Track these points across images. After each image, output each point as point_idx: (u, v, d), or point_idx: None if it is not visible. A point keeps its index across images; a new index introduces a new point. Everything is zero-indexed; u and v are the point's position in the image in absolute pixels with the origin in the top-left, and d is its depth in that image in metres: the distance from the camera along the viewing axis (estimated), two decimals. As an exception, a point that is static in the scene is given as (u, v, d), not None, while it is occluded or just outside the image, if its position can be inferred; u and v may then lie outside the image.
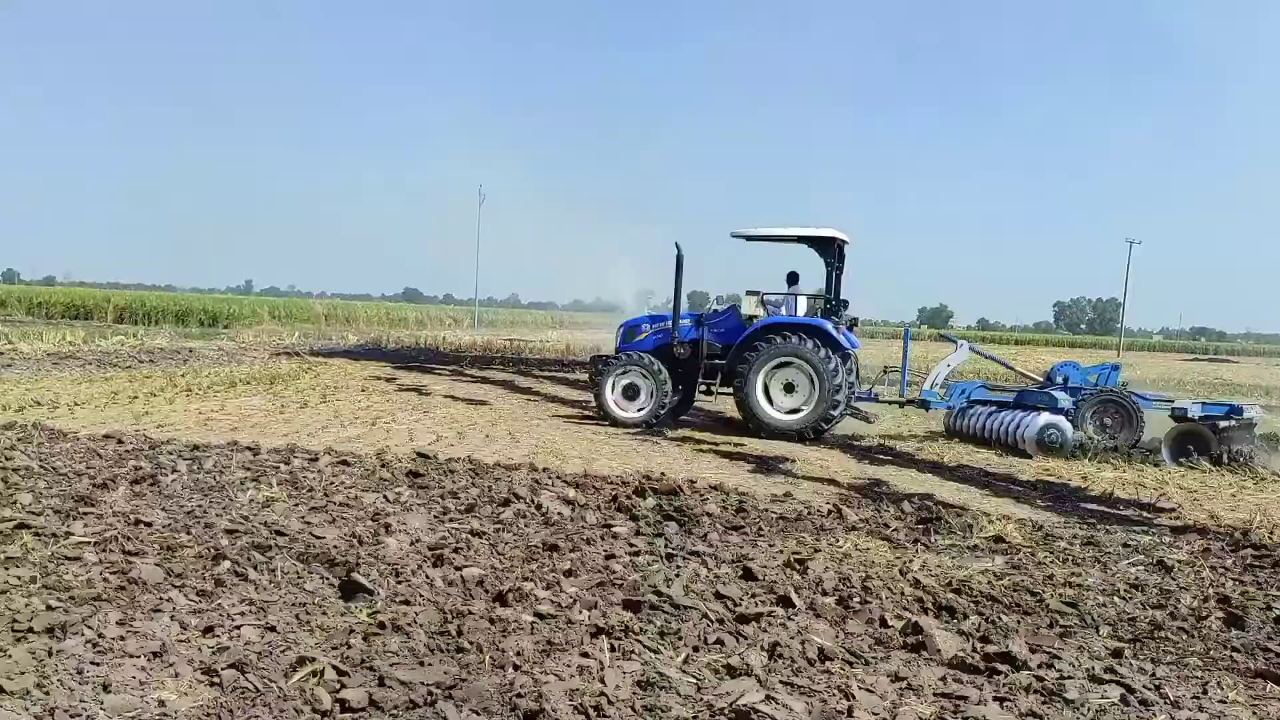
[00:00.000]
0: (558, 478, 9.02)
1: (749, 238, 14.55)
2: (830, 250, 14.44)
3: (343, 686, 3.96)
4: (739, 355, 13.78)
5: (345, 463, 9.13)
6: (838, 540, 7.15)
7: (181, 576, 5.31)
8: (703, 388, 14.38)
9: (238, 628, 4.62)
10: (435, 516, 7.17)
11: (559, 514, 7.50)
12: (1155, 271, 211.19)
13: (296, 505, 7.24)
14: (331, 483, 8.15)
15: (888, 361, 17.04)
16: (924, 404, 14.44)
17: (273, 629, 4.63)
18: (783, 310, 14.42)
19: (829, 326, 13.75)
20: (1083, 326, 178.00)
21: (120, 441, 9.61)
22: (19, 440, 9.25)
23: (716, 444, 13.01)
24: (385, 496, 7.74)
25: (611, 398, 14.22)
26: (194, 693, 3.89)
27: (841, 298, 14.64)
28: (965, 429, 14.17)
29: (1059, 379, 14.40)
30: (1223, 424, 12.78)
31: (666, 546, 6.67)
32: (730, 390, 14.00)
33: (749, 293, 14.56)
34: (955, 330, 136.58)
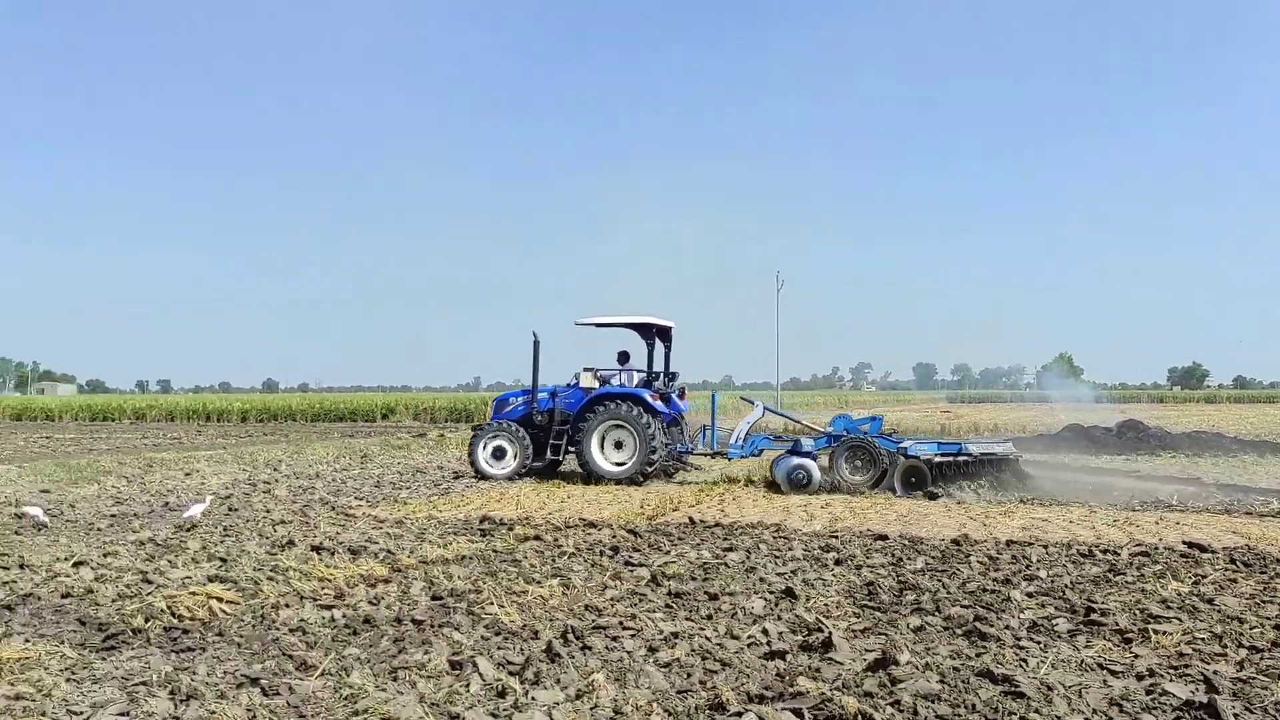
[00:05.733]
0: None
1: (595, 325, 17.31)
2: (649, 333, 17.47)
3: None
4: (578, 420, 16.46)
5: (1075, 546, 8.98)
6: None
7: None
8: (554, 449, 16.81)
9: None
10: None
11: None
12: None
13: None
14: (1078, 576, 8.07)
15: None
16: (726, 455, 16.70)
17: None
18: (614, 382, 16.95)
19: (646, 395, 16.34)
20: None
21: (884, 538, 9.92)
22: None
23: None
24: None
25: (483, 458, 16.76)
26: None
27: (670, 370, 17.73)
28: (770, 473, 15.98)
29: (831, 429, 16.35)
30: (938, 460, 14.86)
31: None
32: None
33: (585, 369, 17.10)
34: (1209, 390, 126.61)
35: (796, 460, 15.07)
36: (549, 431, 16.84)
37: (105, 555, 8.81)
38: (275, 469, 18.43)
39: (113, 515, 12.05)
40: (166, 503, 13.39)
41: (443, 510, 12.41)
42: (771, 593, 7.20)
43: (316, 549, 9.07)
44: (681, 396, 17.64)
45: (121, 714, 4.55)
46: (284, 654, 5.59)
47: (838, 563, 8.56)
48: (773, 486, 15.36)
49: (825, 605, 6.88)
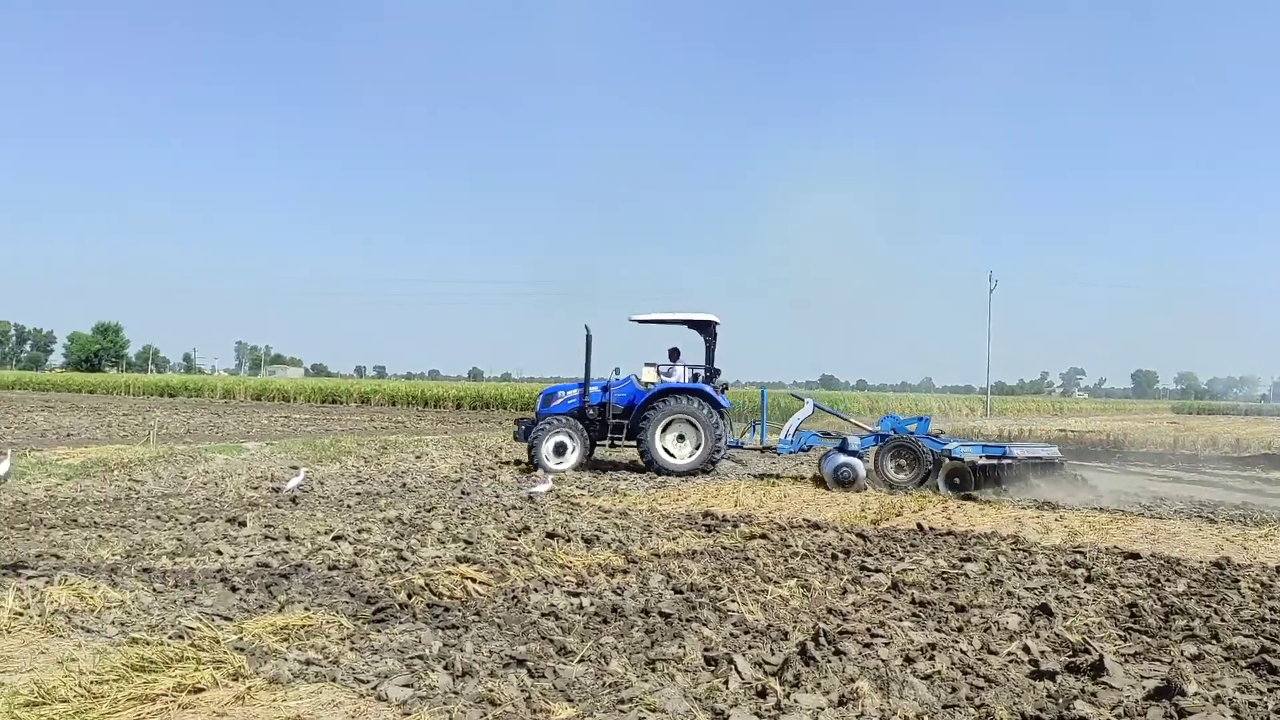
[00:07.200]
0: None
1: (643, 321, 17.84)
2: (708, 330, 17.89)
3: None
4: (641, 414, 16.73)
5: None
6: None
7: None
8: (607, 442, 17.26)
9: None
10: None
11: None
12: None
13: None
14: None
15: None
16: (775, 450, 17.36)
17: None
18: (672, 378, 17.39)
19: (710, 390, 16.96)
20: None
21: (1135, 557, 9.29)
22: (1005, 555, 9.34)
23: None
24: None
25: (545, 454, 16.70)
26: None
27: (715, 366, 17.97)
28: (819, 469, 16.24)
29: (879, 428, 16.45)
30: (981, 462, 14.99)
31: None
32: (633, 443, 16.95)
33: (647, 364, 17.53)
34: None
35: (843, 458, 15.39)
36: (600, 425, 17.24)
37: (359, 531, 9.40)
38: (496, 455, 19.19)
39: (358, 494, 12.85)
40: (404, 484, 14.17)
41: (663, 504, 12.57)
42: (1024, 608, 6.85)
43: (551, 535, 9.35)
44: (723, 392, 17.97)
45: (405, 685, 4.80)
46: (543, 637, 5.77)
47: (1089, 580, 8.08)
48: (819, 481, 15.74)
49: (1086, 625, 6.49)
